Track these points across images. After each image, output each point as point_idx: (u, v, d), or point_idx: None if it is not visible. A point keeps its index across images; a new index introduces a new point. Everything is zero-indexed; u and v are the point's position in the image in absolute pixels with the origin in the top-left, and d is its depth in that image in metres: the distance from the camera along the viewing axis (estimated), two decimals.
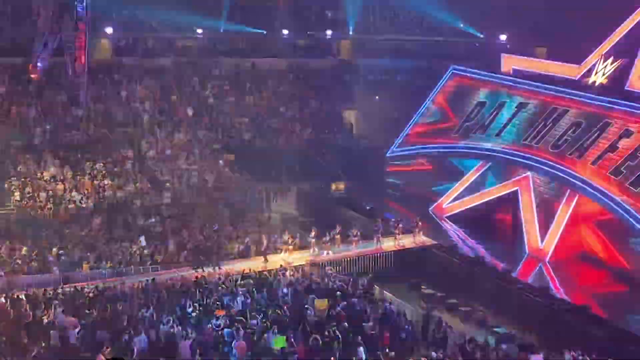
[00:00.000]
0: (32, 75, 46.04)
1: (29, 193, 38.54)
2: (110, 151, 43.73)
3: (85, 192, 39.41)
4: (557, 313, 28.26)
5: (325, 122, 53.47)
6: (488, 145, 42.98)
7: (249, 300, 26.46)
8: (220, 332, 23.62)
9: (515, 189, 40.24)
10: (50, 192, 38.94)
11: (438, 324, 26.53)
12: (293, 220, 40.71)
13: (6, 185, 39.12)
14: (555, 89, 41.57)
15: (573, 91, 40.65)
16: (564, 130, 39.54)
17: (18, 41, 48.77)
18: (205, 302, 26.16)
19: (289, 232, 35.34)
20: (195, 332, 23.28)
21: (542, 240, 37.41)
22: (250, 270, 31.32)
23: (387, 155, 47.90)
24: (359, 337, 22.86)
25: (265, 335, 23.04)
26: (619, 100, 37.81)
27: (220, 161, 45.60)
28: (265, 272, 31.00)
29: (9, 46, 49.00)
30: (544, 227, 37.70)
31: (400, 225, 36.55)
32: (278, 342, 22.55)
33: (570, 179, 37.27)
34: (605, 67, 40.57)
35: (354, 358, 22.04)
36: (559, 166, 38.09)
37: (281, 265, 31.57)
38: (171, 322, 23.65)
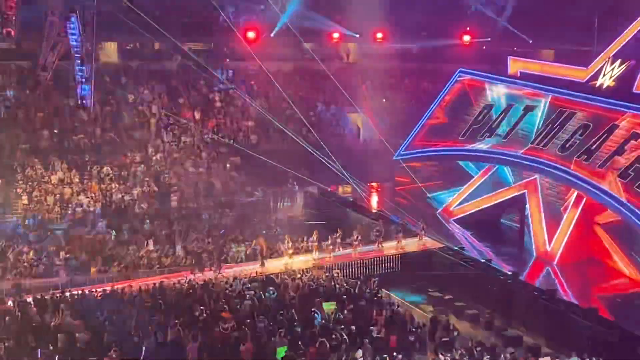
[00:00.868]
0: (43, 73, 45.75)
1: (36, 197, 38.68)
2: (117, 155, 43.82)
3: (93, 195, 39.49)
4: (565, 316, 28.15)
5: (331, 125, 53.34)
6: (495, 148, 42.86)
7: (256, 304, 26.45)
8: (227, 335, 23.60)
9: (523, 191, 40.17)
10: (58, 195, 39.06)
11: (445, 327, 26.51)
12: (299, 224, 40.64)
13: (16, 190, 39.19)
14: (563, 92, 41.38)
15: (580, 94, 40.43)
16: (572, 132, 39.40)
17: (25, 45, 48.79)
18: (212, 305, 26.15)
19: (294, 235, 35.25)
20: (202, 335, 23.27)
21: (549, 243, 37.35)
22: (257, 273, 31.38)
23: (395, 158, 47.85)
24: (367, 341, 22.84)
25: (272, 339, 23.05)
26: (626, 103, 37.69)
27: (227, 164, 45.63)
28: (272, 276, 30.96)
29: (16, 50, 49.04)
30: (552, 230, 37.61)
31: (401, 231, 36.35)
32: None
33: (578, 181, 37.10)
34: (613, 69, 40.35)
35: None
36: (566, 169, 37.95)
37: (288, 269, 31.52)
38: (178, 325, 23.65)
